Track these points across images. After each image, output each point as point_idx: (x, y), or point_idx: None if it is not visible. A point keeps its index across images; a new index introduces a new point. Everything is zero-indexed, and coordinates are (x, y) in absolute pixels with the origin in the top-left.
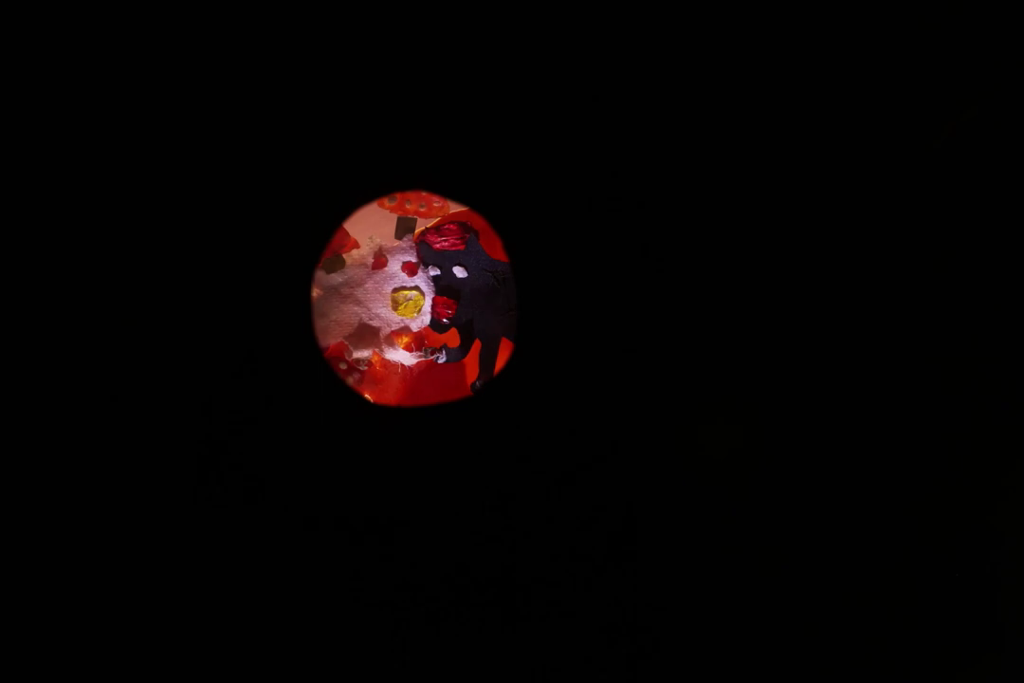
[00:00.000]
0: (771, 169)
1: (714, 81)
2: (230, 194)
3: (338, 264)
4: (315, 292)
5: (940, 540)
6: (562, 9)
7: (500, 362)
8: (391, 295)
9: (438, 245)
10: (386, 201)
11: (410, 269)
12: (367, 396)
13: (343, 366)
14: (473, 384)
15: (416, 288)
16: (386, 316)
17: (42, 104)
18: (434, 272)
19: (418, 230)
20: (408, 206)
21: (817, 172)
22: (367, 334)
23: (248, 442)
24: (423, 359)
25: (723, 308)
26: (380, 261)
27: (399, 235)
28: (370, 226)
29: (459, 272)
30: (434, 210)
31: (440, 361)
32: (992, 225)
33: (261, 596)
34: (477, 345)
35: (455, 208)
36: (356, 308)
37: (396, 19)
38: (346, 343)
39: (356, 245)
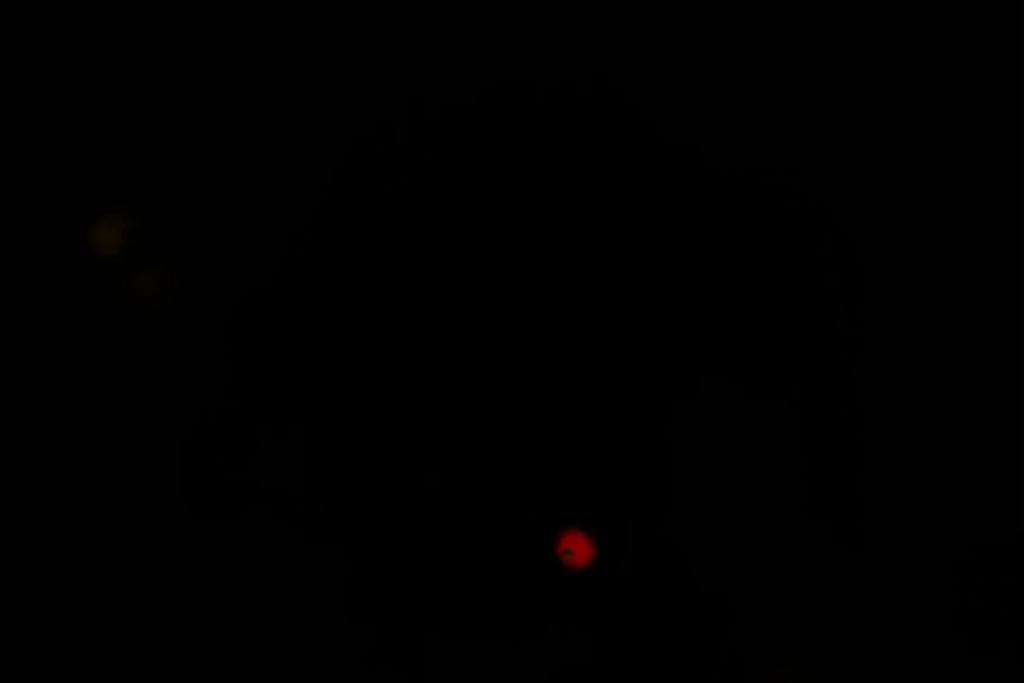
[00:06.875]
0: (769, 168)
1: (711, 77)
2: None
3: None
4: None
5: (939, 539)
6: None
7: None
8: None
9: None
10: None
11: None
12: None
13: None
14: None
15: None
16: None
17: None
18: None
19: None
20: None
21: (816, 171)
22: None
23: None
24: None
25: (721, 309)
26: None
27: None
28: None
29: None
30: None
31: None
32: (992, 225)
33: None
34: None
35: None
36: None
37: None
38: None
39: None
